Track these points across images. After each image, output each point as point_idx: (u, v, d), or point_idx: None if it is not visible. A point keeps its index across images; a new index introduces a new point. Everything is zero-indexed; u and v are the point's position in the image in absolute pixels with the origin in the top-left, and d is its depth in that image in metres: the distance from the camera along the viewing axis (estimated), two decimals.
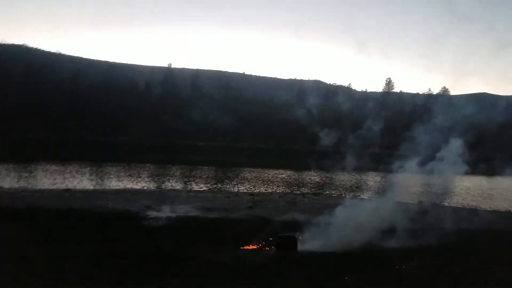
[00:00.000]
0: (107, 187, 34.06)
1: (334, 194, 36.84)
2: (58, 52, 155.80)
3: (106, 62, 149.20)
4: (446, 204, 32.05)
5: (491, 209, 31.91)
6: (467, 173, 20.51)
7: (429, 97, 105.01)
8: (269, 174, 50.53)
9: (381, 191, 34.88)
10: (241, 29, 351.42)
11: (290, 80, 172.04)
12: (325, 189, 40.11)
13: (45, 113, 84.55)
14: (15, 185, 32.01)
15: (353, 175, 47.15)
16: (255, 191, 36.01)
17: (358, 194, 36.78)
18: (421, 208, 23.41)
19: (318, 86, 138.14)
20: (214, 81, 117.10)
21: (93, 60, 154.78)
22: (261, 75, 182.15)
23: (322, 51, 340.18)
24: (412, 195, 30.32)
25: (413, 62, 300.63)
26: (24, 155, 51.54)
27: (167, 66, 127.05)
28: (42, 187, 31.53)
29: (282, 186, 40.94)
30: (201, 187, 37.34)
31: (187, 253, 14.77)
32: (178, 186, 37.69)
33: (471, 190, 40.93)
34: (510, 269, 14.60)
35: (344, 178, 47.03)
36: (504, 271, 14.20)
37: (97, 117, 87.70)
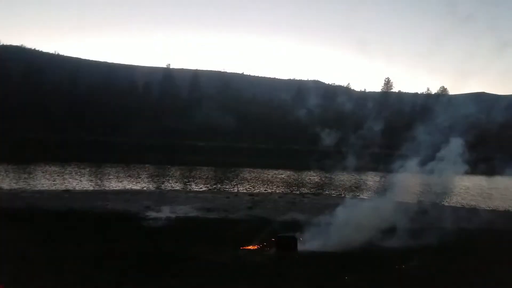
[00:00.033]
0: (106, 188, 34.05)
1: (333, 194, 36.85)
2: (57, 53, 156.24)
3: (105, 63, 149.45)
4: (445, 203, 32.12)
5: (490, 208, 31.95)
6: (467, 172, 20.54)
7: (428, 97, 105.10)
8: (268, 174, 50.54)
9: (381, 191, 34.89)
10: (239, 29, 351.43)
11: (289, 80, 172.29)
12: (324, 189, 40.12)
13: (45, 113, 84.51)
14: (15, 186, 32.00)
15: (353, 175, 47.17)
16: (255, 191, 36.01)
17: (358, 194, 36.79)
18: (420, 208, 23.43)
19: (317, 86, 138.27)
20: (213, 81, 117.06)
21: (92, 61, 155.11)
22: (260, 75, 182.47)
23: (321, 51, 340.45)
24: (411, 195, 30.33)
25: (411, 62, 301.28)
26: (24, 156, 51.54)
27: (166, 66, 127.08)
28: (42, 188, 31.53)
29: (282, 186, 40.95)
30: (201, 188, 37.34)
31: (187, 253, 14.77)
32: (177, 186, 37.68)
33: (471, 189, 40.97)
34: (510, 268, 14.61)
35: (343, 178, 47.04)
36: (504, 271, 14.22)
37: (96, 118, 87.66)
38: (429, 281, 13.06)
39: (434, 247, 16.55)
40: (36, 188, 31.21)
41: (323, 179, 48.67)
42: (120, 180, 39.28)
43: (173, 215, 22.85)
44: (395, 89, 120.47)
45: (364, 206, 20.83)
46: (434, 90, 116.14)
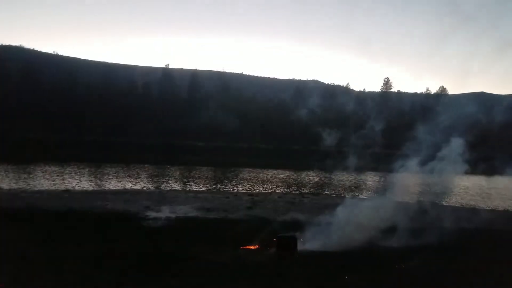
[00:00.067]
0: (106, 188, 34.05)
1: (333, 194, 36.86)
2: (56, 53, 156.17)
3: (104, 63, 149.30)
4: (445, 203, 32.14)
5: (490, 208, 31.99)
6: (467, 172, 20.58)
7: (428, 96, 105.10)
8: (268, 174, 50.57)
9: (381, 191, 34.95)
10: (238, 29, 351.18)
11: (289, 80, 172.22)
12: (324, 189, 40.14)
13: (44, 113, 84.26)
14: (14, 186, 32.00)
15: (353, 175, 47.19)
16: (254, 191, 36.02)
17: (358, 194, 36.81)
18: (420, 208, 23.42)
19: (316, 86, 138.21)
20: (213, 81, 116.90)
21: (91, 61, 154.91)
22: (259, 75, 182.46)
23: (320, 51, 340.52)
24: (411, 195, 30.36)
25: (410, 62, 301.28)
26: (23, 156, 51.53)
27: (165, 66, 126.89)
28: (42, 188, 31.53)
29: (281, 186, 40.96)
30: (200, 188, 37.35)
31: (187, 253, 14.77)
32: (177, 186, 37.69)
33: (470, 189, 41.02)
34: (509, 268, 14.63)
35: (343, 178, 47.06)
36: (503, 270, 14.24)
37: (95, 118, 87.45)
38: (429, 281, 13.07)
39: (434, 247, 16.57)
40: (35, 188, 31.22)
41: (323, 179, 48.72)
42: (119, 180, 39.29)
43: (172, 215, 22.85)
44: (394, 89, 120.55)
45: (364, 206, 20.82)
46: (433, 90, 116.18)
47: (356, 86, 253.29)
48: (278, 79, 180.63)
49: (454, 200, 34.27)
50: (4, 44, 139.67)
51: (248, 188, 38.21)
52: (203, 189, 36.66)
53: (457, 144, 19.58)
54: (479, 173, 39.51)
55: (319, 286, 12.30)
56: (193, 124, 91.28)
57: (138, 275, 12.06)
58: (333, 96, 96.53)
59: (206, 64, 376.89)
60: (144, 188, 35.04)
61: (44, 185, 33.12)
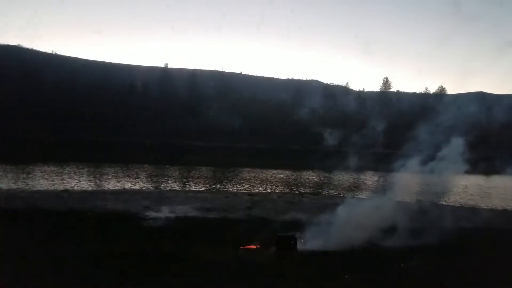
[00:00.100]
0: (105, 188, 34.02)
1: (333, 193, 36.85)
2: (55, 52, 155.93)
3: (103, 63, 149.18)
4: (444, 203, 32.16)
5: (489, 207, 32.02)
6: (467, 172, 20.62)
7: (427, 96, 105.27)
8: (267, 174, 50.53)
9: (380, 191, 34.98)
10: (237, 29, 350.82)
11: (288, 80, 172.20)
12: (323, 189, 40.14)
13: (43, 113, 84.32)
14: (13, 186, 31.96)
15: (352, 175, 47.19)
16: (254, 191, 36.01)
17: (357, 193, 36.80)
18: (420, 207, 23.48)
19: (316, 86, 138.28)
20: (212, 81, 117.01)
21: (90, 60, 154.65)
22: (258, 75, 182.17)
23: (319, 51, 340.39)
24: (411, 194, 30.41)
25: (409, 62, 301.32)
26: (22, 156, 51.47)
27: (164, 66, 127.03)
28: (41, 188, 31.49)
29: (281, 186, 40.95)
30: (200, 188, 37.33)
31: (187, 253, 14.77)
32: (176, 186, 37.66)
33: (470, 189, 41.02)
34: (509, 267, 14.64)
35: (343, 177, 47.06)
36: (503, 270, 14.26)
37: (94, 118, 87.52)
38: (429, 280, 13.09)
39: (434, 246, 16.61)
40: (35, 188, 31.17)
41: (322, 178, 48.72)
42: (119, 180, 39.26)
43: (172, 215, 22.84)
44: (393, 88, 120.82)
45: (364, 205, 20.88)
46: (432, 90, 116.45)
47: (355, 86, 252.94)
48: (277, 78, 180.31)
49: (453, 199, 34.28)
50: (2, 43, 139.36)
51: (247, 188, 38.20)
52: (203, 189, 36.65)
53: (457, 144, 19.61)
54: (479, 172, 39.58)
55: (319, 285, 12.31)
56: (193, 124, 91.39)
57: (138, 275, 12.07)
58: (333, 96, 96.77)
59: (205, 64, 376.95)
60: (144, 188, 35.01)
61: (43, 185, 33.08)
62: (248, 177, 46.50)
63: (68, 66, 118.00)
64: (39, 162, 47.77)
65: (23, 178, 36.39)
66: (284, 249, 15.82)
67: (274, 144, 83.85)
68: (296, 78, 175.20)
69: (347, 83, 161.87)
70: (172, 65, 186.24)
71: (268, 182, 43.10)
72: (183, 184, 39.59)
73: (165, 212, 23.44)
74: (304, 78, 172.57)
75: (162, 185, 38.07)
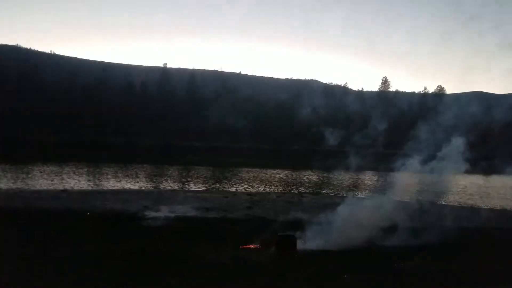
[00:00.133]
0: (105, 188, 33.98)
1: (332, 193, 36.88)
2: (53, 52, 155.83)
3: (102, 63, 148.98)
4: (444, 202, 32.20)
5: (488, 207, 32.07)
6: (467, 171, 20.65)
7: (426, 96, 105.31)
8: (267, 174, 50.54)
9: (380, 190, 35.00)
10: (235, 29, 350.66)
11: (287, 79, 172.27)
12: (323, 189, 40.16)
13: (41, 113, 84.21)
14: (13, 186, 31.91)
15: (352, 175, 47.22)
16: (253, 191, 36.01)
17: (356, 193, 36.83)
18: (419, 207, 23.48)
19: (315, 86, 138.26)
20: (211, 81, 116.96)
21: (89, 60, 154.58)
22: (257, 75, 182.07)
23: (317, 51, 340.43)
24: (410, 194, 30.44)
25: (408, 62, 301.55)
26: (21, 156, 51.39)
27: (163, 66, 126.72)
28: (40, 188, 31.45)
29: (280, 186, 40.95)
30: (199, 187, 37.32)
31: (187, 253, 14.77)
32: (176, 186, 37.65)
33: (469, 188, 41.09)
34: (509, 267, 14.66)
35: (342, 177, 47.10)
36: (503, 269, 14.28)
37: (93, 117, 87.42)
38: (429, 281, 13.10)
39: (434, 246, 16.64)
40: (34, 188, 31.13)
41: (322, 178, 48.74)
42: (118, 180, 39.22)
43: (172, 215, 22.84)
44: (392, 88, 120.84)
45: (363, 205, 20.88)
46: (431, 89, 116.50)
47: (354, 86, 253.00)
48: (276, 78, 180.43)
49: (452, 199, 34.33)
50: (0, 43, 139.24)
51: (247, 187, 38.20)
52: (202, 188, 36.65)
53: (457, 144, 19.64)
54: (478, 172, 39.65)
55: (319, 285, 12.32)
56: (192, 124, 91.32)
57: (138, 275, 12.06)
58: (332, 95, 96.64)
59: (204, 64, 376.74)
60: (143, 188, 34.99)
61: (43, 185, 33.04)
62: (247, 177, 46.50)
63: (67, 66, 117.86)
64: (38, 162, 47.71)
65: (22, 178, 36.34)
66: (284, 248, 15.81)
67: (273, 144, 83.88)
68: (295, 78, 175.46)
69: (346, 83, 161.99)
70: (171, 65, 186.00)
71: (267, 182, 43.09)
72: (182, 184, 39.57)
73: (164, 212, 23.45)
74: (303, 78, 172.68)
75: (161, 185, 38.06)
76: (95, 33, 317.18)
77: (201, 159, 60.78)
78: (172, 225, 20.37)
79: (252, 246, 16.94)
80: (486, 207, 31.77)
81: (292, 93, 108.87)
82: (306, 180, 47.25)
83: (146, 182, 39.13)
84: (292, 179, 47.70)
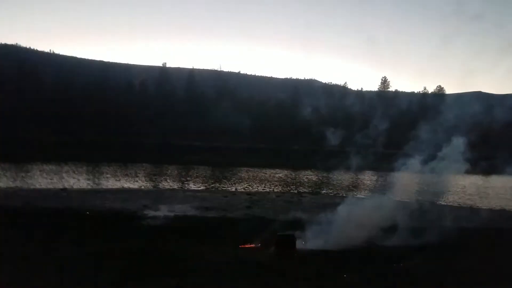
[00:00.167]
0: (104, 187, 33.96)
1: (331, 193, 36.88)
2: (52, 51, 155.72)
3: (101, 62, 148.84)
4: (443, 203, 32.20)
5: (487, 207, 32.07)
6: (467, 172, 20.64)
7: (426, 96, 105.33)
8: (266, 173, 50.53)
9: (380, 190, 35.01)
10: (234, 29, 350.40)
11: (286, 79, 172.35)
12: (322, 189, 40.15)
13: (40, 112, 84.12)
14: (12, 184, 31.88)
15: (352, 174, 47.21)
16: (253, 190, 36.01)
17: (356, 193, 36.83)
18: (419, 207, 23.48)
19: (314, 86, 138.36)
20: (210, 80, 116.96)
21: (88, 59, 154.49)
22: (256, 74, 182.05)
23: (316, 51, 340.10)
24: (410, 194, 30.45)
25: (406, 62, 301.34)
26: (20, 155, 51.33)
27: (162, 65, 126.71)
28: (39, 187, 31.43)
29: (280, 186, 40.94)
30: (199, 187, 37.31)
31: (186, 252, 14.73)
32: (175, 185, 37.63)
33: (468, 188, 41.10)
34: (508, 267, 14.65)
35: (342, 177, 47.10)
36: (502, 269, 14.26)
37: (92, 117, 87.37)
38: (429, 280, 13.08)
39: (434, 246, 16.63)
40: (34, 187, 31.11)
41: (321, 178, 48.73)
42: (117, 179, 39.20)
43: (171, 214, 22.83)
44: (391, 88, 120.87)
45: (363, 205, 20.88)
46: (430, 89, 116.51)
47: (353, 86, 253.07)
48: (276, 78, 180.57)
49: (452, 199, 34.33)
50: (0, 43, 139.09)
51: (246, 187, 38.19)
52: (202, 188, 36.64)
53: (457, 144, 19.64)
54: (478, 172, 39.68)
55: (318, 285, 12.30)
56: (191, 123, 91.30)
57: (138, 275, 12.02)
58: (332, 95, 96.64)
59: (203, 63, 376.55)
60: (142, 187, 34.99)
61: (42, 184, 33.03)
62: (247, 177, 46.49)
63: (66, 66, 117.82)
64: (37, 161, 47.68)
65: (22, 176, 36.32)
66: (283, 248, 15.79)
67: (273, 143, 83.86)
68: (294, 77, 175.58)
69: (345, 83, 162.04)
70: (170, 64, 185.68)
71: (267, 182, 43.09)
72: (182, 183, 39.56)
73: (164, 211, 23.44)
74: (302, 78, 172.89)
75: (160, 184, 38.05)
76: (95, 33, 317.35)
77: (200, 159, 60.75)
78: (171, 225, 20.35)
79: (252, 245, 16.93)
80: (485, 208, 31.75)
81: (291, 92, 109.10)
82: (306, 180, 47.26)
83: (145, 181, 39.13)
84: (292, 178, 47.70)
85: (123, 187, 34.52)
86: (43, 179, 36.02)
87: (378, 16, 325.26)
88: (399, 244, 17.05)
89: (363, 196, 33.57)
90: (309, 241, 17.24)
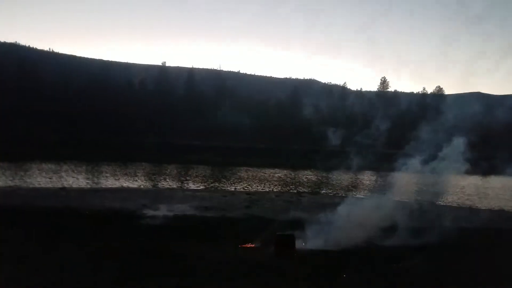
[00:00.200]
0: (103, 186, 33.94)
1: (330, 193, 36.88)
2: (52, 50, 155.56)
3: (100, 61, 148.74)
4: (443, 203, 32.21)
5: (486, 208, 32.10)
6: (467, 172, 20.64)
7: (425, 96, 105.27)
8: (265, 173, 50.53)
9: (379, 190, 35.00)
10: (234, 29, 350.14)
11: (286, 79, 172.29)
12: (322, 188, 40.15)
13: (40, 112, 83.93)
14: (11, 183, 31.84)
15: (352, 175, 47.21)
16: (252, 190, 36.00)
17: (355, 193, 36.84)
18: (418, 207, 23.49)
19: (314, 86, 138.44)
20: (210, 80, 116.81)
21: (88, 58, 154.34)
22: (256, 74, 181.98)
23: (316, 50, 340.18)
24: (409, 194, 30.47)
25: (406, 62, 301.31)
26: (20, 154, 51.28)
27: (161, 64, 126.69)
28: (38, 186, 31.39)
29: (279, 185, 40.94)
30: (198, 186, 37.29)
31: (186, 252, 14.71)
32: (174, 185, 37.61)
33: (467, 189, 41.12)
34: (508, 267, 14.65)
35: (341, 177, 47.10)
36: (502, 269, 14.26)
37: (92, 116, 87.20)
38: (428, 280, 13.07)
39: (434, 246, 16.62)
40: (33, 186, 31.07)
41: (321, 178, 48.73)
42: (117, 178, 39.18)
43: (170, 214, 22.80)
44: (391, 88, 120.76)
45: (363, 205, 20.87)
46: (430, 90, 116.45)
47: (352, 86, 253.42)
48: (275, 77, 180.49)
49: (451, 199, 34.35)
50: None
51: (245, 187, 38.19)
52: (201, 187, 36.62)
53: (457, 144, 19.63)
54: (477, 172, 39.71)
55: (318, 285, 12.28)
56: (190, 122, 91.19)
57: (138, 275, 12.00)
58: (331, 95, 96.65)
59: (202, 63, 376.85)
60: (142, 187, 34.96)
61: (41, 183, 32.99)
62: (246, 176, 46.50)
63: (65, 64, 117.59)
64: (36, 160, 47.66)
65: (21, 175, 36.28)
66: (283, 248, 15.76)
67: (273, 143, 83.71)
68: (294, 77, 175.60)
69: (344, 83, 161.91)
70: (170, 63, 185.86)
71: (266, 181, 43.10)
72: (181, 182, 39.54)
73: (163, 211, 23.40)
74: (302, 77, 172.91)
75: (160, 183, 38.03)
76: (95, 32, 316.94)
77: (199, 158, 60.73)
78: (171, 224, 20.31)
79: (251, 245, 16.91)
80: (484, 208, 31.79)
81: (291, 92, 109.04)
82: (305, 179, 47.26)
83: (144, 180, 39.11)
84: (291, 178, 47.72)
85: (122, 186, 34.50)
86: (42, 178, 35.99)
87: (378, 16, 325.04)
88: (399, 244, 17.03)
89: (362, 196, 33.59)
90: (309, 241, 17.22)
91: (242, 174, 48.45)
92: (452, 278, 13.30)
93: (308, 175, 50.67)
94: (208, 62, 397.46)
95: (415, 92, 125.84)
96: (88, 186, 33.48)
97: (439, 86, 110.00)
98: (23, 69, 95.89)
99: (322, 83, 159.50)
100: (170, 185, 36.90)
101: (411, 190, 32.91)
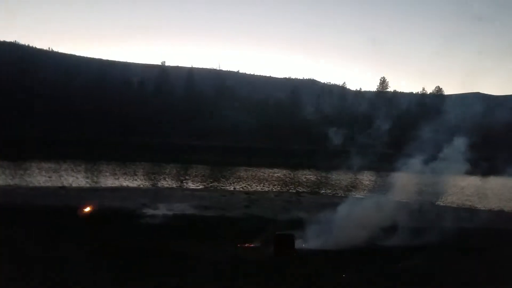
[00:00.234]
0: (103, 185, 33.90)
1: (330, 193, 36.85)
2: (51, 49, 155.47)
3: (100, 60, 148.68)
4: (442, 203, 32.19)
5: (486, 208, 32.10)
6: (467, 172, 20.63)
7: (425, 96, 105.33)
8: (265, 173, 50.51)
9: (379, 190, 34.98)
10: (233, 29, 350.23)
11: (285, 79, 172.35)
12: (321, 188, 40.13)
13: (39, 111, 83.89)
14: (10, 182, 31.79)
15: (352, 175, 47.17)
16: (251, 190, 35.97)
17: (355, 193, 36.80)
18: (418, 207, 23.47)
19: (313, 86, 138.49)
20: (209, 79, 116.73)
21: (88, 58, 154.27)
22: (255, 74, 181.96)
23: (316, 51, 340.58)
24: (409, 194, 30.39)
25: (405, 62, 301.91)
26: (19, 153, 51.19)
27: (161, 64, 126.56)
28: (38, 185, 31.34)
29: (278, 185, 40.92)
30: (197, 186, 37.27)
31: (185, 251, 14.70)
32: (174, 184, 37.58)
33: (467, 189, 41.09)
34: (508, 267, 14.64)
35: (341, 177, 47.08)
36: (503, 269, 14.25)
37: (92, 116, 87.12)
38: (428, 280, 13.06)
39: (434, 246, 16.60)
40: (32, 185, 31.02)
41: (320, 178, 48.71)
42: (116, 177, 39.13)
43: (170, 213, 22.75)
44: (390, 88, 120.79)
45: (362, 205, 20.83)
46: (429, 90, 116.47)
47: (352, 86, 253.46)
48: (275, 77, 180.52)
49: (451, 200, 34.33)
50: None
51: (245, 186, 38.16)
52: (200, 187, 36.59)
53: (458, 144, 19.62)
54: (478, 173, 39.66)
55: (317, 285, 12.27)
56: (190, 122, 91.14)
57: (138, 274, 11.98)
58: (331, 95, 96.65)
59: (202, 62, 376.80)
60: (141, 186, 34.93)
61: (41, 182, 32.93)
62: (246, 176, 46.47)
63: (65, 64, 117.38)
64: (36, 159, 47.59)
65: (21, 174, 36.24)
66: (282, 247, 15.74)
67: (272, 143, 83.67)
68: (293, 77, 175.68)
69: (344, 83, 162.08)
70: (169, 63, 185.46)
71: (265, 181, 43.08)
72: (181, 182, 39.51)
73: (163, 210, 23.36)
74: (301, 77, 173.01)
75: (159, 182, 38.00)
76: (94, 31, 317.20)
77: (199, 158, 60.67)
78: (170, 223, 20.26)
79: (251, 245, 16.88)
80: (484, 208, 31.80)
81: (291, 92, 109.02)
82: (305, 179, 47.24)
83: (144, 180, 39.08)
84: (291, 178, 47.70)
85: (121, 185, 34.45)
86: (41, 177, 35.93)
87: (378, 16, 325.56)
88: (399, 244, 17.01)
89: (362, 196, 33.56)
90: (308, 240, 17.19)
91: (242, 174, 48.42)
92: (452, 278, 13.28)
93: (307, 175, 50.64)
94: (208, 62, 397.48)
95: (414, 92, 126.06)
96: (88, 185, 33.43)
97: (438, 86, 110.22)
98: (23, 68, 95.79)
99: (321, 83, 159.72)
100: (169, 185, 36.86)
101: (411, 190, 32.86)
